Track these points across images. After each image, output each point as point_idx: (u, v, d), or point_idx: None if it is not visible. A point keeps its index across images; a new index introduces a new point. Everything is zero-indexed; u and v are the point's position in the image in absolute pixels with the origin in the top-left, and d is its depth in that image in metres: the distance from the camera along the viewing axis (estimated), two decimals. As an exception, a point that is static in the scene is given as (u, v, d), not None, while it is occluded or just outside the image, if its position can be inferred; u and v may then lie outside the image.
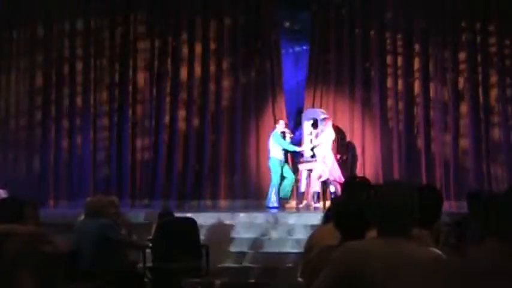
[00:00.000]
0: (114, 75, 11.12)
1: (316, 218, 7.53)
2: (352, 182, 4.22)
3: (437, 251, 2.57)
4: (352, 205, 3.17)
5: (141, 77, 11.10)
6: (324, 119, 10.33)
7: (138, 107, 11.03)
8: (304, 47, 12.41)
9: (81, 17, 11.03)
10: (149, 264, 7.03)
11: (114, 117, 10.98)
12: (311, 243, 3.70)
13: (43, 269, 4.87)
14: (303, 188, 10.52)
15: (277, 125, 10.54)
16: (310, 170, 10.36)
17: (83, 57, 11.09)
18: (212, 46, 11.15)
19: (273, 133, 10.43)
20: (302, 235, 7.99)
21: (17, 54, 11.20)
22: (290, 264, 7.76)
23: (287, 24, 12.33)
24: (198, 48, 11.15)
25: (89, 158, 10.80)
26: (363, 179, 4.40)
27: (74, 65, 11.07)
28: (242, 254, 8.32)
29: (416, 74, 10.90)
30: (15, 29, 11.20)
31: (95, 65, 11.06)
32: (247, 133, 11.03)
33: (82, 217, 6.52)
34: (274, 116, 10.94)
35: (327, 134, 10.19)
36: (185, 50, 11.14)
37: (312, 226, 7.61)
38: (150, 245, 7.14)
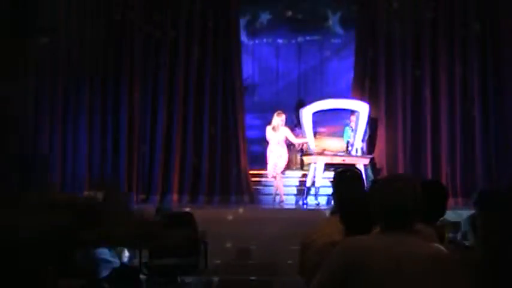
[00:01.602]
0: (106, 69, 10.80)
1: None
2: (342, 176, 4.05)
3: (440, 246, 2.51)
4: (358, 200, 3.10)
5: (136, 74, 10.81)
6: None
7: (134, 100, 10.76)
8: (308, 37, 12.16)
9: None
10: (145, 260, 6.92)
11: (109, 110, 10.73)
12: (309, 238, 3.59)
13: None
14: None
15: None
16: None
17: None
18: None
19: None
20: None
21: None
22: (290, 261, 7.65)
23: (289, 13, 11.94)
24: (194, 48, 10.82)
25: (84, 152, 10.59)
26: (354, 171, 4.26)
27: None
28: (241, 250, 8.22)
29: (425, 67, 10.73)
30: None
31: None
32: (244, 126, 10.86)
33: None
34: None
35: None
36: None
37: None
38: (147, 240, 7.02)
